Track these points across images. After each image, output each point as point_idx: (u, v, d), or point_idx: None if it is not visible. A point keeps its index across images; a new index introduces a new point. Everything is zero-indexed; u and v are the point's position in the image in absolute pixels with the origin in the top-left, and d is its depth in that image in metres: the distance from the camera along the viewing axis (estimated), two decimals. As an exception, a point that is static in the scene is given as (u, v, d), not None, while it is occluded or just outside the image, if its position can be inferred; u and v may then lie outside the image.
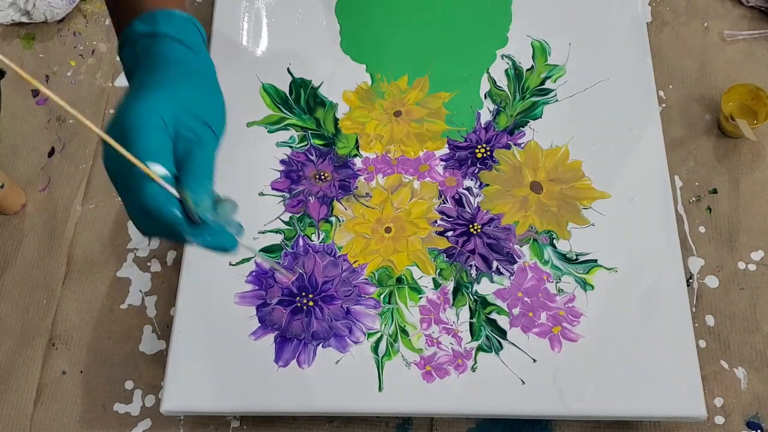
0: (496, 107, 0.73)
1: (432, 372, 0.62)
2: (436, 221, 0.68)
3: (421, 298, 0.65)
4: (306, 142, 0.72)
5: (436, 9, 0.79)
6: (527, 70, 0.75)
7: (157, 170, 0.42)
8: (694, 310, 0.67)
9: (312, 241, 0.67)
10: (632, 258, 0.65)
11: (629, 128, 0.71)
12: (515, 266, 0.66)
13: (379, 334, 0.63)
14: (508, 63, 0.75)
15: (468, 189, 0.69)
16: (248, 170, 0.70)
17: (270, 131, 0.73)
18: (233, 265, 0.66)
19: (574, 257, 0.66)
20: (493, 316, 0.64)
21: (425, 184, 0.70)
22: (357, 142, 0.72)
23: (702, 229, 0.70)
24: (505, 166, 0.70)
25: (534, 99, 0.73)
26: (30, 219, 0.74)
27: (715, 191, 0.72)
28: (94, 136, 0.78)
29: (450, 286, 0.65)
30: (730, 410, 0.64)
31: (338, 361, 0.62)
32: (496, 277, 0.65)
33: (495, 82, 0.75)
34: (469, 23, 0.78)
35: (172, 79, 0.46)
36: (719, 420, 0.63)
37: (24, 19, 0.83)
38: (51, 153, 0.77)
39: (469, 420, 0.64)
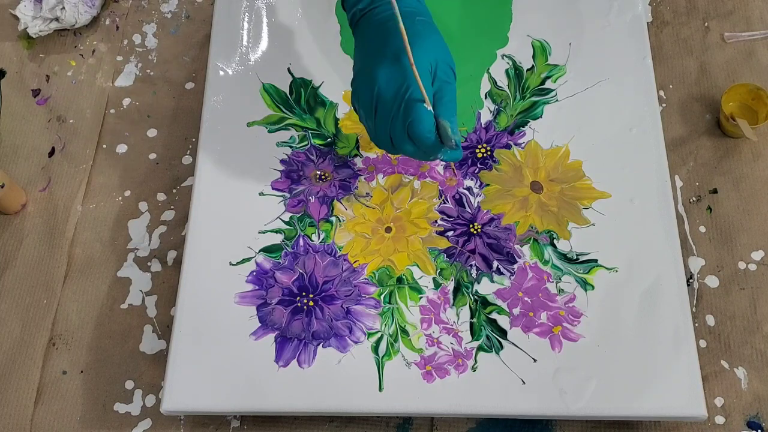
0: (496, 107, 0.73)
1: (432, 372, 0.62)
2: (436, 221, 0.68)
3: (421, 297, 0.65)
4: (306, 142, 0.72)
5: (436, 9, 0.79)
6: (527, 69, 0.75)
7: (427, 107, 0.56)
8: (694, 310, 0.67)
9: (312, 240, 0.67)
10: (632, 258, 0.65)
11: (629, 128, 0.71)
12: (515, 266, 0.66)
13: (379, 334, 0.63)
14: (508, 63, 0.75)
15: (468, 189, 0.69)
16: (248, 170, 0.70)
17: (270, 131, 0.73)
18: (233, 265, 0.66)
19: (575, 257, 0.66)
20: (494, 315, 0.64)
21: (425, 184, 0.70)
22: (357, 141, 0.72)
23: (702, 229, 0.70)
24: (505, 166, 0.70)
25: (534, 99, 0.73)
26: (30, 219, 0.74)
27: (715, 191, 0.72)
28: (94, 136, 0.78)
29: (450, 285, 0.65)
30: (730, 410, 0.63)
31: (339, 360, 0.62)
32: (496, 277, 0.65)
33: (495, 82, 0.75)
34: (469, 23, 0.78)
35: (428, 30, 0.59)
36: (719, 420, 0.63)
37: (54, 26, 0.82)
38: (51, 153, 0.77)
39: (470, 420, 0.64)
